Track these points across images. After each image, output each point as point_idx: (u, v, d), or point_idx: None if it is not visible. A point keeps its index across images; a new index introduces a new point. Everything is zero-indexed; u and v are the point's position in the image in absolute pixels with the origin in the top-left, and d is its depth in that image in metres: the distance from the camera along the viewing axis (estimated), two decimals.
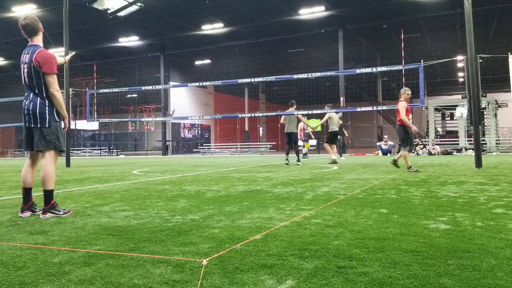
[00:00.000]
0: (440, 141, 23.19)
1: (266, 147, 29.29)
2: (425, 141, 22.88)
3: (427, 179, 6.68)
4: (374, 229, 2.96)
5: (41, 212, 3.71)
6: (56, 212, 3.69)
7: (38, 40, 3.92)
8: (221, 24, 23.51)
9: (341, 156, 16.19)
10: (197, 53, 29.44)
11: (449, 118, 25.44)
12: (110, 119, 28.79)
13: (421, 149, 20.50)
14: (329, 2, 20.64)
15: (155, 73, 32.26)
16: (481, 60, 20.01)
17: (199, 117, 29.59)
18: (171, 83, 28.66)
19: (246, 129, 38.27)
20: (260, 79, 23.01)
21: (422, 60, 10.84)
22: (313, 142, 24.20)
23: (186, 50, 28.24)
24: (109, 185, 6.57)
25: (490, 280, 1.87)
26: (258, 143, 33.44)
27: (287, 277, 1.96)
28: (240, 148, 30.19)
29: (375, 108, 19.63)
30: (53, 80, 3.78)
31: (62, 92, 5.09)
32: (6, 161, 22.72)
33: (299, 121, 13.79)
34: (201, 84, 18.06)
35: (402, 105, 8.47)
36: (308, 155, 18.98)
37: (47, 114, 3.78)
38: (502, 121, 25.87)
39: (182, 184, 6.47)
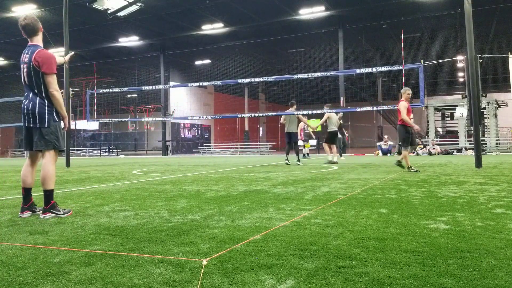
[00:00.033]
0: (440, 141, 23.20)
1: (266, 147, 29.30)
2: (425, 141, 22.88)
3: (427, 179, 6.68)
4: (374, 229, 2.95)
5: (41, 212, 3.71)
6: (56, 212, 3.69)
7: (38, 40, 3.92)
8: (221, 24, 23.51)
9: (341, 156, 16.19)
10: (197, 53, 29.45)
11: (449, 118, 25.45)
12: (110, 119, 28.80)
13: (421, 149, 20.51)
14: (329, 2, 20.64)
15: (155, 73, 32.26)
16: (481, 60, 20.01)
17: (199, 117, 29.59)
18: (171, 83, 28.66)
19: (246, 129, 38.28)
20: (260, 79, 23.01)
21: (422, 60, 10.83)
22: (313, 142, 24.21)
23: (186, 50, 28.24)
24: (109, 185, 6.56)
25: (490, 280, 1.87)
26: (258, 143, 33.44)
27: (287, 277, 1.96)
28: (240, 148, 30.19)
29: (375, 108, 19.62)
30: (52, 80, 3.78)
31: (62, 92, 5.09)
32: (6, 161, 22.72)
33: (299, 121, 13.79)
34: (201, 84, 18.06)
35: (403, 105, 8.47)
36: (310, 155, 19.01)
37: (46, 114, 3.78)
38: (502, 121, 25.87)
39: (182, 184, 6.47)
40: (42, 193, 3.75)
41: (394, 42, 25.95)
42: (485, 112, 22.43)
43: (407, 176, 7.31)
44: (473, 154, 9.62)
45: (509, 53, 10.54)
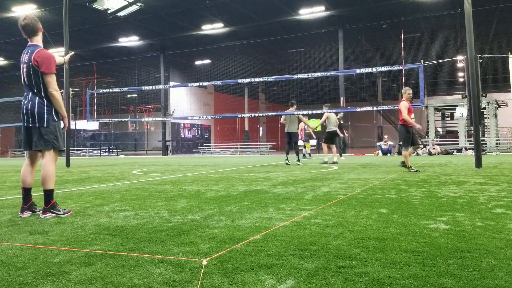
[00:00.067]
0: (440, 141, 23.20)
1: (266, 147, 29.29)
2: (425, 141, 22.88)
3: (427, 179, 6.68)
4: (374, 229, 2.95)
5: (41, 212, 3.71)
6: (56, 212, 3.69)
7: (38, 40, 3.93)
8: (221, 24, 23.51)
9: (341, 156, 16.19)
10: (197, 53, 29.45)
11: (449, 118, 25.44)
12: (110, 119, 28.79)
13: (421, 149, 20.50)
14: (329, 2, 20.64)
15: (155, 73, 32.26)
16: (481, 60, 20.02)
17: (199, 117, 29.59)
18: (171, 83, 28.66)
19: (246, 129, 38.27)
20: (260, 79, 22.99)
21: (422, 60, 10.83)
22: (313, 142, 24.21)
23: (186, 50, 28.23)
24: (109, 185, 6.56)
25: (490, 280, 1.87)
26: (258, 143, 33.43)
27: (287, 277, 1.96)
28: (240, 148, 30.19)
29: (375, 108, 19.62)
30: (51, 80, 3.78)
31: (62, 92, 5.09)
32: (6, 161, 22.72)
33: (300, 121, 13.78)
34: (201, 84, 18.05)
35: (403, 105, 8.47)
36: (311, 155, 19.02)
37: (45, 113, 3.78)
38: (502, 121, 25.86)
39: (182, 184, 6.47)
40: (42, 193, 3.75)
41: (394, 42, 25.95)
42: (485, 112, 22.43)
43: (407, 176, 7.32)
44: (473, 154, 9.61)
45: (509, 53, 10.54)
